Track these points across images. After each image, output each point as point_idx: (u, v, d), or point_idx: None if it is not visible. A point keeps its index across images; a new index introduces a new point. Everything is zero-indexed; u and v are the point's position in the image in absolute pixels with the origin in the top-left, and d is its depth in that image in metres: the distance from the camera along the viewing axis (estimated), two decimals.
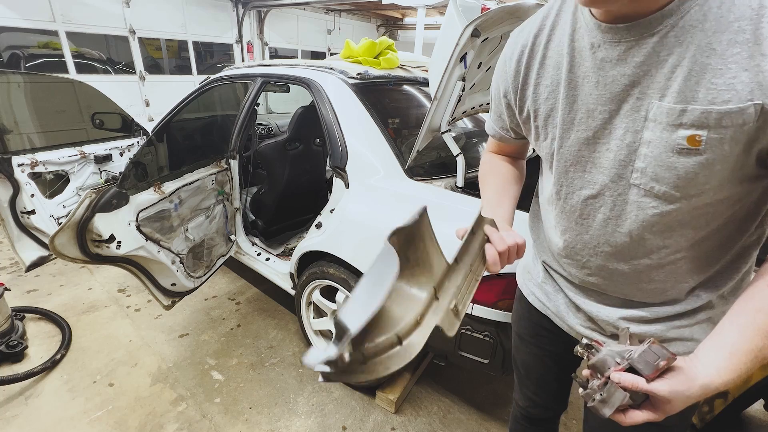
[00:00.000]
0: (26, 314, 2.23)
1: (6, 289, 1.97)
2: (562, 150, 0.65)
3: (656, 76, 0.51)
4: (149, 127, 2.74)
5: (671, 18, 0.49)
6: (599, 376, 0.55)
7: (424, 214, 0.51)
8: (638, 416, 0.52)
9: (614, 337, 0.70)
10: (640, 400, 0.52)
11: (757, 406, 1.69)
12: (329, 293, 1.81)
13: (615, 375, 0.52)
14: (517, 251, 0.64)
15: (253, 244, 2.30)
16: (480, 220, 0.63)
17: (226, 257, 2.22)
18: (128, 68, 6.15)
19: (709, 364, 0.50)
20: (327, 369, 0.37)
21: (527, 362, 0.99)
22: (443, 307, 0.52)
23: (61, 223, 1.46)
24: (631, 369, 0.51)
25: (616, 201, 0.60)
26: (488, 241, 0.63)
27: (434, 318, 0.49)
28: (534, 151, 2.25)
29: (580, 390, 0.57)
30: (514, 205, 0.80)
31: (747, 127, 0.47)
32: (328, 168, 2.68)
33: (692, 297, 0.65)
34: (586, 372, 0.57)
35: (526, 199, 0.97)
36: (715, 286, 0.64)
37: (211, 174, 1.95)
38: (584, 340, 0.58)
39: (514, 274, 1.01)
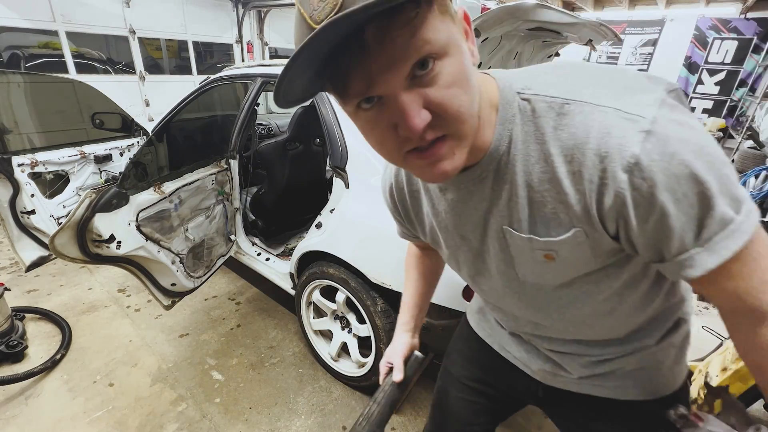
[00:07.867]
0: (26, 314, 2.23)
1: (6, 289, 1.97)
2: (460, 263, 0.69)
3: (500, 206, 0.55)
4: (149, 127, 2.74)
5: (490, 164, 0.52)
6: None
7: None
8: None
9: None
10: None
11: (757, 406, 1.69)
12: (329, 293, 1.81)
13: None
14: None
15: (253, 244, 2.30)
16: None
17: (226, 257, 2.22)
18: (128, 68, 6.14)
19: None
20: None
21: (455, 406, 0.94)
22: None
23: (61, 223, 1.46)
24: None
25: (521, 294, 0.64)
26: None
27: None
28: None
29: None
30: (424, 311, 0.94)
31: (583, 240, 0.50)
32: (328, 168, 2.68)
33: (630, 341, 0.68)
34: None
35: None
36: (648, 335, 0.67)
37: (211, 174, 1.95)
38: (681, 409, 0.59)
39: None
